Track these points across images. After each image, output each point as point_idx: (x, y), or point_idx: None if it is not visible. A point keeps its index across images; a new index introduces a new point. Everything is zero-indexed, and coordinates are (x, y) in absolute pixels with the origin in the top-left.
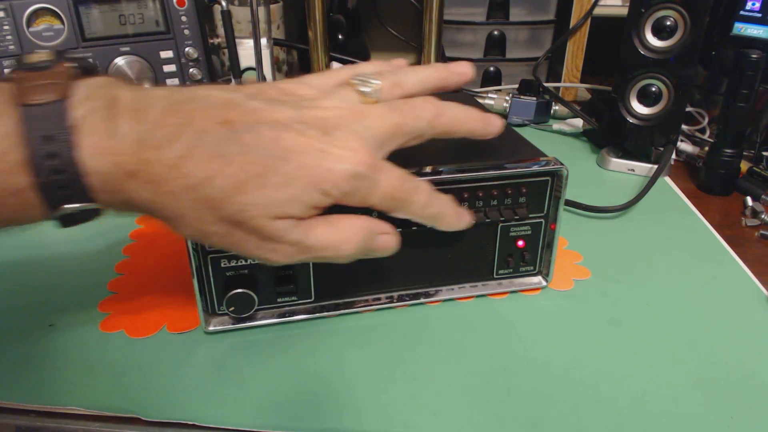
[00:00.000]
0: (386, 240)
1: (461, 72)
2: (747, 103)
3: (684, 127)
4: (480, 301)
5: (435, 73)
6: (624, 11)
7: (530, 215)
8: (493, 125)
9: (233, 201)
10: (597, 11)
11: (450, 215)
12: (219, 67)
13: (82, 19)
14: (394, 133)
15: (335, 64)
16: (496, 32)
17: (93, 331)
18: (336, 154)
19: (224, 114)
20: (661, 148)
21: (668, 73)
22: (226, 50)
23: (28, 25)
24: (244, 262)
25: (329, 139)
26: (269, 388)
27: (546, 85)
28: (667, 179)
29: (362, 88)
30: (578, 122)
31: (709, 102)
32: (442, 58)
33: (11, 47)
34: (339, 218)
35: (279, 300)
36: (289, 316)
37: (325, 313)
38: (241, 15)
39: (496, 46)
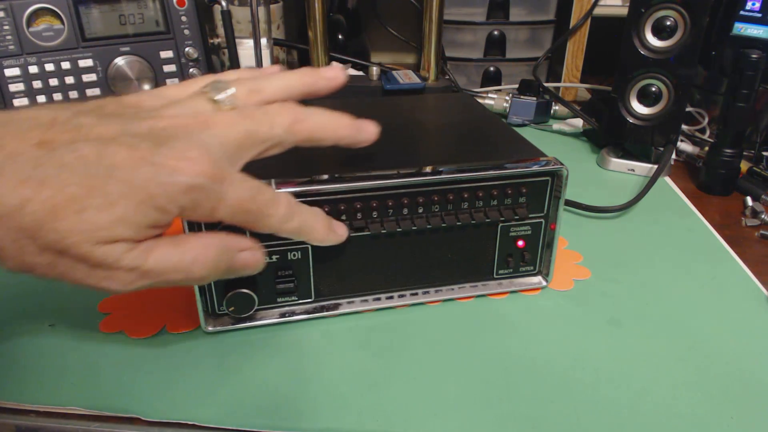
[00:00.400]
0: (248, 257)
1: (331, 76)
2: (747, 103)
3: (684, 127)
4: (480, 301)
5: (301, 79)
6: (624, 11)
7: (530, 215)
8: (365, 131)
9: (51, 228)
10: (597, 11)
11: (318, 228)
12: (219, 67)
13: (82, 19)
14: (246, 141)
15: (335, 64)
16: (496, 32)
17: (93, 331)
18: (170, 165)
19: (43, 134)
20: (661, 148)
21: (668, 73)
22: (226, 50)
23: (28, 25)
24: None
25: (164, 151)
26: (269, 388)
27: (546, 85)
28: (667, 179)
29: (215, 96)
30: (578, 122)
31: (709, 102)
32: (442, 58)
33: (11, 47)
34: (187, 237)
35: (279, 300)
36: (289, 316)
37: (325, 313)
38: (241, 15)
39: (496, 46)
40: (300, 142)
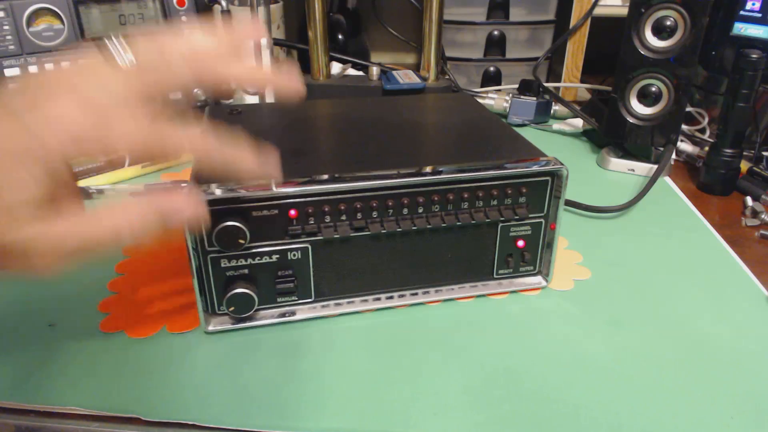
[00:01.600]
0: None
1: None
2: (747, 103)
3: (684, 127)
4: (480, 301)
5: (205, 40)
6: (624, 11)
7: (530, 215)
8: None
9: None
10: (597, 11)
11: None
12: None
13: (82, 19)
14: (134, 84)
15: (335, 65)
16: (496, 32)
17: (93, 331)
18: (43, 118)
19: None
20: (661, 148)
21: (668, 73)
22: None
23: (28, 25)
24: (244, 262)
25: (40, 104)
26: (269, 388)
27: (546, 85)
28: (667, 179)
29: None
30: (578, 122)
31: (709, 102)
32: (442, 58)
33: (11, 47)
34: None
35: (279, 300)
36: (289, 316)
37: (325, 313)
38: (241, 15)
39: (496, 46)
40: (194, 71)
